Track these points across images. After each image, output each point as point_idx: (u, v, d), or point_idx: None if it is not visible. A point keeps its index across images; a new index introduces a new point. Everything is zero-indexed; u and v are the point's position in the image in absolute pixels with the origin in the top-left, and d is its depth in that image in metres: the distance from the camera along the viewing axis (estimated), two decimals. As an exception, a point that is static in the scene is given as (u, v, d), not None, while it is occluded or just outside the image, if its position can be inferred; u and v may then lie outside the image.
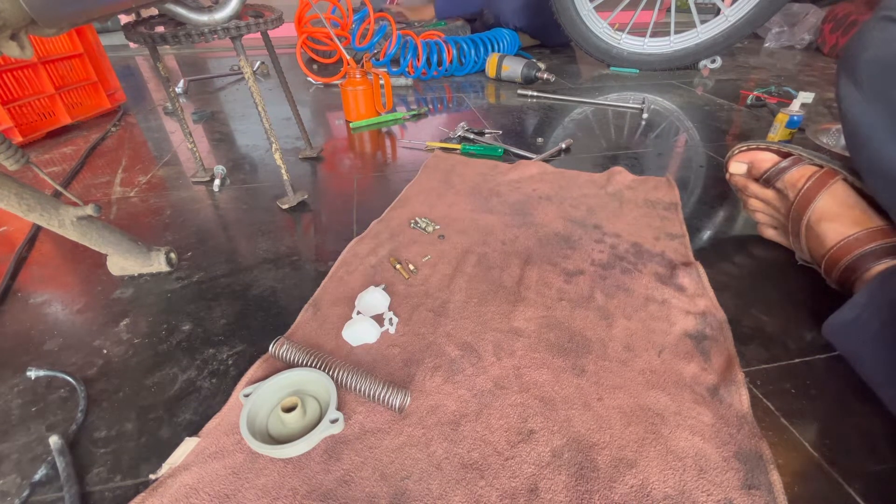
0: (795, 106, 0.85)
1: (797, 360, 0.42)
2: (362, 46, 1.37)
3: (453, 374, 0.40)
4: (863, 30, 0.44)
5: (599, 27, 1.48)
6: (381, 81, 1.05)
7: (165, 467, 0.34)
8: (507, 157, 0.87)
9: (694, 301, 0.48)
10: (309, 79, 1.44)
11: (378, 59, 1.42)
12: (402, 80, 1.36)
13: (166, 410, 0.39)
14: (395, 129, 1.05)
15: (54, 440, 0.35)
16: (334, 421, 0.35)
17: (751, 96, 1.14)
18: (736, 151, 0.59)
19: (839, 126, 0.81)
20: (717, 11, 1.45)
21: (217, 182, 0.78)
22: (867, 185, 0.46)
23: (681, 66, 1.49)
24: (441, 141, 0.94)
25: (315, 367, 0.40)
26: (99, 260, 0.58)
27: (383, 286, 0.51)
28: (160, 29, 0.58)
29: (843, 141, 0.80)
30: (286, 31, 1.76)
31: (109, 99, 1.15)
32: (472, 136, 0.95)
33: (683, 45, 1.46)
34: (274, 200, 0.73)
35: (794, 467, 0.34)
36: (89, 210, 0.46)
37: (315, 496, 0.32)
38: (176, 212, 0.70)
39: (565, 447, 0.34)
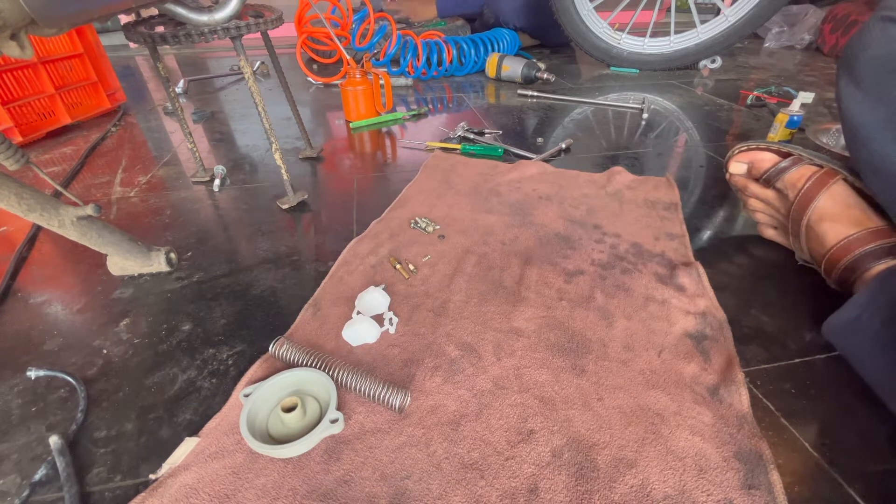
0: (795, 106, 0.85)
1: (797, 360, 0.42)
2: (362, 46, 1.37)
3: (453, 374, 0.40)
4: (863, 29, 0.44)
5: (599, 27, 1.48)
6: (381, 81, 1.05)
7: (165, 467, 0.34)
8: (507, 157, 0.87)
9: (694, 301, 0.48)
10: (309, 79, 1.44)
11: (378, 59, 1.42)
12: (402, 80, 1.36)
13: (166, 410, 0.39)
14: (395, 129, 1.05)
15: (54, 440, 0.35)
16: (334, 421, 0.35)
17: (751, 96, 1.14)
18: (736, 151, 0.59)
19: (839, 126, 0.82)
20: (717, 11, 1.45)
21: (217, 182, 0.78)
22: (867, 184, 0.46)
23: (681, 66, 1.49)
24: (441, 141, 0.94)
25: (315, 367, 0.40)
26: (99, 260, 0.58)
27: (383, 286, 0.51)
28: (160, 29, 0.58)
29: (842, 141, 0.80)
30: (286, 31, 1.76)
31: (109, 99, 1.15)
32: (472, 136, 0.95)
33: (683, 45, 1.46)
34: (274, 200, 0.73)
35: (794, 467, 0.34)
36: (89, 210, 0.46)
37: (315, 496, 0.32)
38: (176, 212, 0.70)
39: (565, 447, 0.34)
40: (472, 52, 1.48)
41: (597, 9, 1.46)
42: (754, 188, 0.57)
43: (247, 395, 0.37)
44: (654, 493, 0.31)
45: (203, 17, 0.54)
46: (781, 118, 0.86)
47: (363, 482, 0.32)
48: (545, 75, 1.33)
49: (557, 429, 0.36)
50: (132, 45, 2.09)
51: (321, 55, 1.55)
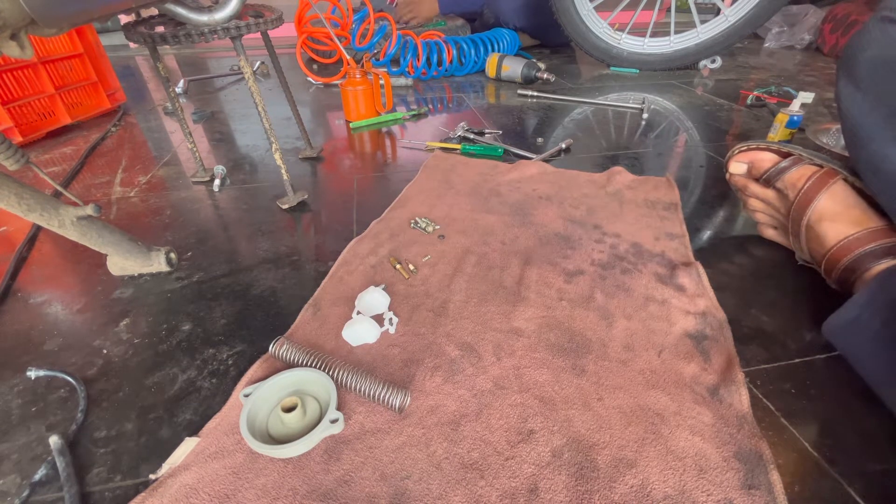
0: (795, 106, 0.85)
1: (797, 360, 0.42)
2: (362, 46, 1.37)
3: (453, 374, 0.40)
4: (863, 30, 0.44)
5: (599, 27, 1.48)
6: (381, 81, 1.05)
7: (165, 467, 0.34)
8: (507, 157, 0.87)
9: (694, 301, 0.48)
10: (309, 79, 1.44)
11: (378, 59, 1.42)
12: (402, 80, 1.36)
13: (166, 410, 0.39)
14: (395, 129, 1.05)
15: (54, 440, 0.35)
16: (334, 421, 0.35)
17: (751, 96, 1.14)
18: (736, 151, 0.59)
19: (839, 126, 0.81)
20: (717, 11, 1.45)
21: (217, 182, 0.78)
22: (867, 184, 0.46)
23: (681, 66, 1.49)
24: (441, 141, 0.94)
25: (315, 367, 0.40)
26: (99, 260, 0.58)
27: (383, 286, 0.51)
28: (160, 29, 0.58)
29: (842, 141, 0.80)
30: (286, 31, 1.76)
31: (109, 99, 1.15)
32: (472, 136, 0.95)
33: (683, 45, 1.46)
34: (274, 200, 0.73)
35: (794, 467, 0.34)
36: (89, 210, 0.46)
37: (315, 496, 0.32)
38: (176, 212, 0.70)
39: (565, 447, 0.34)
40: (472, 52, 1.48)
41: (597, 9, 1.46)
42: (754, 188, 0.57)
43: (247, 395, 0.37)
44: (654, 493, 0.32)
45: (203, 17, 0.54)
46: (781, 118, 0.86)
47: (363, 482, 0.33)
48: (545, 75, 1.33)
49: (557, 429, 0.36)
50: (132, 45, 2.09)
51: (321, 55, 1.55)
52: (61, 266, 0.59)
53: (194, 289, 0.54)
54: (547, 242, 0.59)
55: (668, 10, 1.75)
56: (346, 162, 0.87)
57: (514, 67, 1.35)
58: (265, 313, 0.49)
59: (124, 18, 1.79)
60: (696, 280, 0.51)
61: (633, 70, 1.51)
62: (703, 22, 1.45)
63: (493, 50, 1.52)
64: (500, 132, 0.99)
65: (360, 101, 1.05)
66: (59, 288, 0.55)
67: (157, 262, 0.54)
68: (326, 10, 1.40)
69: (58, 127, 1.02)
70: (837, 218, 0.48)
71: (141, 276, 0.56)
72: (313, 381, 0.39)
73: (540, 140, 0.95)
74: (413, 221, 0.64)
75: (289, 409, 0.36)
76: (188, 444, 0.35)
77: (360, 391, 0.38)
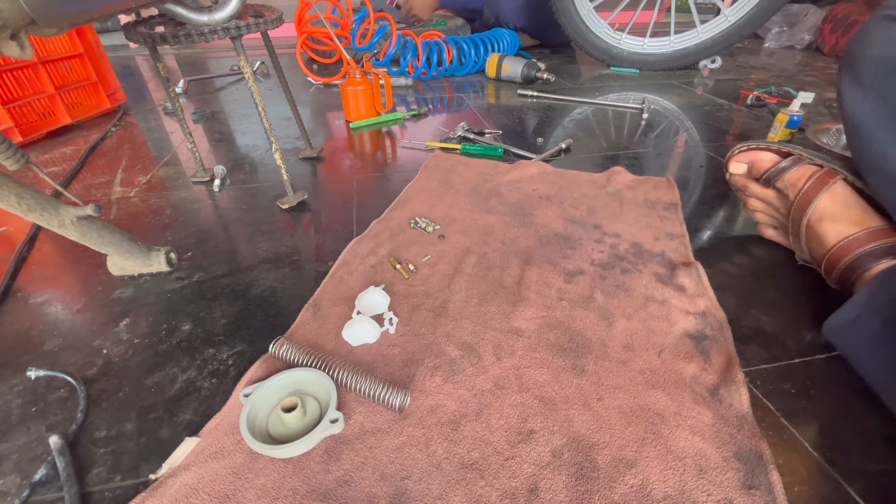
0: (795, 106, 0.85)
1: (797, 360, 0.42)
2: (362, 46, 1.37)
3: (453, 374, 0.40)
4: (865, 28, 0.44)
5: (599, 27, 1.48)
6: (381, 81, 1.05)
7: (165, 467, 0.34)
8: (507, 157, 0.87)
9: (694, 301, 0.48)
10: (309, 79, 1.44)
11: (378, 59, 1.42)
12: (402, 80, 1.36)
13: (166, 410, 0.39)
14: (395, 129, 1.05)
15: (54, 440, 0.35)
16: (334, 421, 0.35)
17: (751, 96, 1.14)
18: (736, 151, 0.59)
19: (839, 126, 0.82)
20: (717, 11, 1.45)
21: (217, 182, 0.78)
22: (868, 184, 0.46)
23: (681, 66, 1.49)
24: (441, 141, 0.94)
25: (315, 367, 0.40)
26: (99, 260, 0.58)
27: (383, 286, 0.51)
28: (160, 29, 0.58)
29: (843, 141, 0.80)
30: (286, 31, 1.76)
31: (109, 99, 1.15)
32: (472, 136, 0.95)
33: (683, 45, 1.46)
34: (274, 200, 0.73)
35: (794, 467, 0.34)
36: (89, 210, 0.46)
37: (315, 496, 0.32)
38: (176, 212, 0.70)
39: (565, 447, 0.34)
40: (472, 52, 1.48)
41: (597, 9, 1.46)
42: (754, 188, 0.57)
43: (247, 395, 0.37)
44: (654, 493, 0.31)
45: (203, 17, 0.54)
46: (781, 118, 0.86)
47: (363, 482, 0.33)
48: (545, 75, 1.33)
49: (557, 429, 0.36)
50: (132, 45, 2.09)
51: (321, 55, 1.55)
52: (61, 266, 0.59)
53: (194, 289, 0.54)
54: (547, 242, 0.59)
55: (668, 10, 1.75)
56: (346, 162, 0.87)
57: (514, 67, 1.35)
58: (265, 313, 0.49)
59: (124, 18, 1.79)
60: (696, 280, 0.51)
61: (633, 70, 1.51)
62: (703, 22, 1.45)
63: (493, 50, 1.52)
64: (500, 132, 0.99)
65: (360, 101, 1.05)
66: (59, 288, 0.55)
67: (157, 262, 0.54)
68: (326, 10, 1.40)
69: (58, 127, 1.02)
70: (837, 218, 0.48)
71: (141, 276, 0.56)
72: (313, 381, 0.39)
73: (540, 140, 0.95)
74: (413, 221, 0.64)
75: (289, 409, 0.36)
76: (188, 444, 0.35)
77: (360, 391, 0.38)
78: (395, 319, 0.46)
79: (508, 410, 0.37)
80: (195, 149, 0.78)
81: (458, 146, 0.90)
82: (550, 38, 1.81)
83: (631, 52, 1.49)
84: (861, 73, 0.43)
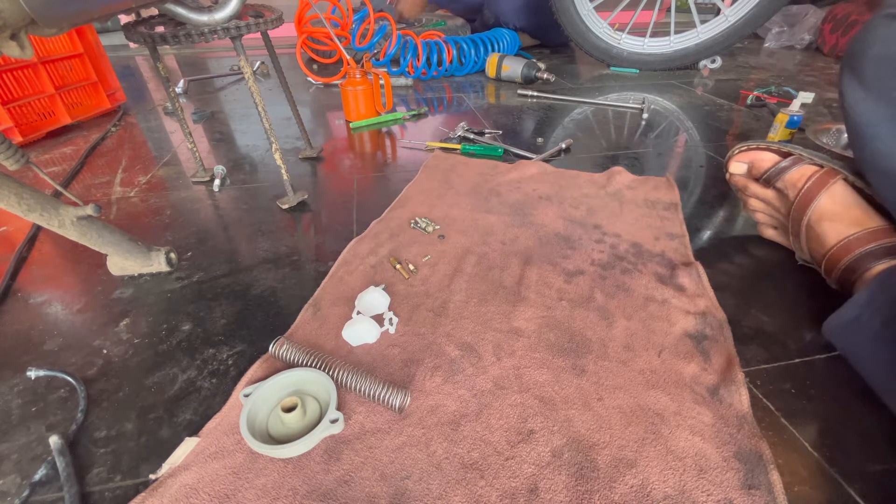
0: (795, 106, 0.85)
1: (797, 360, 0.42)
2: (362, 46, 1.37)
3: (453, 374, 0.40)
4: (867, 27, 0.43)
5: (599, 27, 1.48)
6: (381, 81, 1.05)
7: (165, 467, 0.34)
8: (507, 157, 0.87)
9: (694, 301, 0.48)
10: (309, 79, 1.44)
11: (378, 59, 1.42)
12: (402, 80, 1.36)
13: (166, 410, 0.39)
14: (395, 129, 1.05)
15: (54, 440, 0.35)
16: (334, 421, 0.35)
17: (751, 96, 1.14)
18: (736, 151, 0.59)
19: (839, 126, 0.82)
20: (717, 11, 1.45)
21: (217, 182, 0.78)
22: (870, 183, 0.46)
23: (681, 66, 1.49)
24: (441, 141, 0.94)
25: (315, 367, 0.40)
26: (99, 260, 0.58)
27: (383, 286, 0.51)
28: (160, 29, 0.58)
29: (843, 141, 0.80)
30: (286, 31, 1.76)
31: (109, 99, 1.15)
32: (472, 136, 0.95)
33: (683, 45, 1.46)
34: (274, 200, 0.73)
35: (794, 467, 0.34)
36: (89, 210, 0.46)
37: (315, 496, 0.32)
38: (176, 212, 0.70)
39: (565, 447, 0.34)
40: (472, 52, 1.48)
41: (597, 9, 1.46)
42: (754, 188, 0.57)
43: (247, 395, 0.37)
44: (654, 493, 0.31)
45: (203, 17, 0.54)
46: (781, 118, 0.86)
47: (363, 482, 0.32)
48: (545, 75, 1.33)
49: (557, 429, 0.36)
50: (132, 45, 2.09)
51: (321, 55, 1.55)
52: (61, 266, 0.59)
53: (194, 289, 0.54)
54: (547, 242, 0.59)
55: (668, 10, 1.75)
56: (346, 162, 0.87)
57: (514, 67, 1.35)
58: (265, 313, 0.49)
59: (124, 18, 1.79)
60: (696, 280, 0.51)
61: (633, 70, 1.51)
62: (703, 22, 1.45)
63: (493, 50, 1.52)
64: (500, 132, 0.98)
65: (360, 101, 1.05)
66: (59, 288, 0.55)
67: (157, 262, 0.54)
68: (326, 10, 1.40)
69: (58, 127, 1.02)
70: (837, 218, 0.48)
71: (141, 276, 0.56)
72: (313, 381, 0.39)
73: (540, 140, 0.95)
74: (413, 221, 0.64)
75: (289, 409, 0.36)
76: (188, 444, 0.35)
77: (360, 391, 0.38)
78: (395, 319, 0.46)
79: (508, 410, 0.37)
80: (195, 149, 0.78)
81: (458, 146, 0.90)
82: (550, 38, 1.81)
83: (631, 52, 1.49)
84: (863, 72, 0.43)
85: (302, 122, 0.84)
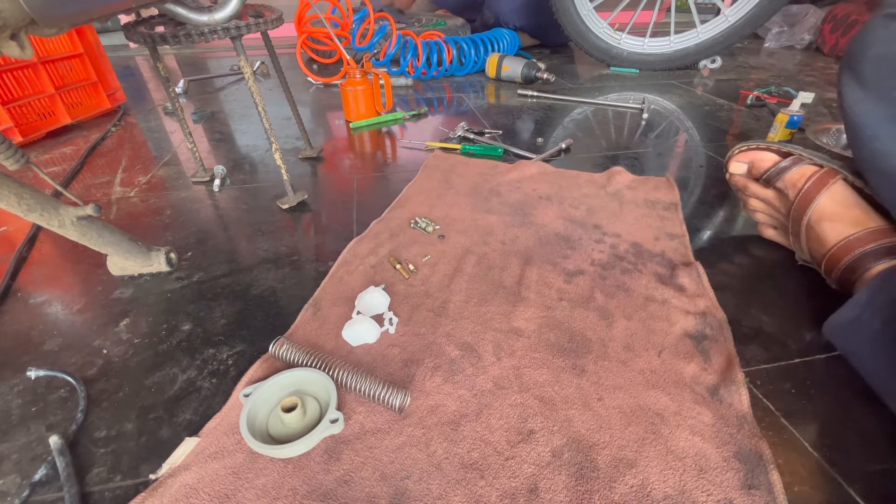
0: (795, 106, 0.85)
1: (797, 360, 0.42)
2: (362, 46, 1.37)
3: (453, 374, 0.40)
4: (867, 27, 0.43)
5: (599, 27, 1.48)
6: (381, 81, 1.05)
7: (165, 467, 0.34)
8: (507, 157, 0.87)
9: (694, 301, 0.48)
10: (309, 79, 1.44)
11: (378, 59, 1.42)
12: (402, 80, 1.36)
13: (166, 410, 0.39)
14: (395, 129, 1.05)
15: (54, 440, 0.35)
16: (334, 421, 0.35)
17: (751, 96, 1.14)
18: (736, 151, 0.59)
19: (839, 126, 0.82)
20: (717, 11, 1.45)
21: (217, 182, 0.78)
22: (869, 183, 0.46)
23: (681, 66, 1.49)
24: (441, 141, 0.94)
25: (315, 367, 0.40)
26: (99, 260, 0.58)
27: (383, 286, 0.51)
28: (160, 29, 0.58)
29: (843, 141, 0.80)
30: (286, 31, 1.76)
31: (109, 99, 1.15)
32: (472, 136, 0.95)
33: (683, 45, 1.46)
34: (274, 200, 0.73)
35: (794, 467, 0.34)
36: (89, 210, 0.46)
37: (315, 496, 0.32)
38: (176, 212, 0.70)
39: (565, 447, 0.34)
40: (472, 52, 1.48)
41: (597, 9, 1.47)
42: (754, 188, 0.57)
43: (247, 395, 0.37)
44: (654, 493, 0.31)
45: (203, 17, 0.54)
46: (781, 118, 0.86)
47: (363, 482, 0.32)
48: (545, 75, 1.33)
49: (557, 429, 0.36)
50: (132, 45, 2.09)
51: (321, 55, 1.55)
52: (61, 266, 0.59)
53: (194, 289, 0.54)
54: (547, 242, 0.59)
55: (668, 10, 1.75)
56: (346, 162, 0.87)
57: (514, 67, 1.35)
58: (265, 313, 0.49)
59: (124, 18, 1.79)
60: (696, 280, 0.51)
61: (633, 70, 1.51)
62: (703, 22, 1.45)
63: (493, 50, 1.52)
64: (500, 132, 0.98)
65: (360, 101, 1.05)
66: (59, 288, 0.55)
67: (157, 262, 0.54)
68: (326, 10, 1.40)
69: (58, 127, 1.02)
70: (837, 218, 0.48)
71: (141, 276, 0.56)
72: (313, 381, 0.39)
73: (540, 140, 0.95)
74: (413, 221, 0.64)
75: (289, 409, 0.36)
76: (188, 444, 0.35)
77: (360, 391, 0.38)
78: (395, 319, 0.46)
79: (508, 410, 0.37)
80: (195, 149, 0.78)
81: (458, 146, 0.90)
82: (550, 38, 1.81)
83: (631, 52, 1.50)
84: (862, 72, 0.43)
85: (302, 122, 0.84)
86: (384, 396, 0.37)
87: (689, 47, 1.46)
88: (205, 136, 1.02)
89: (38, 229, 0.66)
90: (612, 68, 1.54)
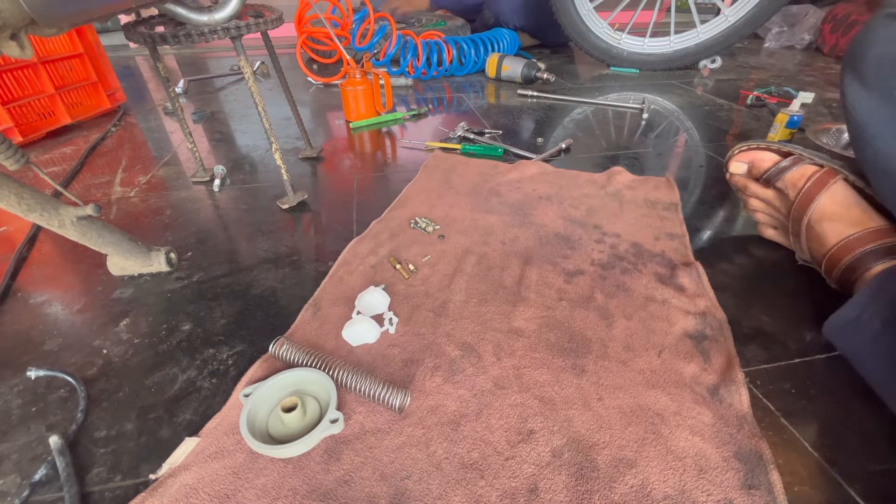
0: (795, 106, 0.85)
1: (797, 360, 0.42)
2: (362, 46, 1.37)
3: (453, 374, 0.40)
4: (868, 27, 0.44)
5: (599, 27, 1.48)
6: (381, 81, 1.05)
7: (165, 467, 0.34)
8: (507, 157, 0.87)
9: (694, 301, 0.48)
10: (309, 79, 1.44)
11: (378, 59, 1.42)
12: (402, 80, 1.36)
13: (166, 410, 0.39)
14: (395, 129, 1.05)
15: (54, 440, 0.35)
16: (334, 421, 0.35)
17: (751, 96, 1.14)
18: (736, 151, 0.59)
19: (839, 126, 0.82)
20: (717, 11, 1.45)
21: (217, 182, 0.78)
22: (870, 182, 0.46)
23: (681, 66, 1.49)
24: (441, 141, 0.94)
25: (315, 367, 0.40)
26: (99, 260, 0.58)
27: (383, 286, 0.51)
28: (160, 29, 0.58)
29: (843, 140, 0.80)
30: (286, 31, 1.76)
31: (109, 99, 1.15)
32: (472, 136, 0.95)
33: (683, 45, 1.46)
34: (274, 200, 0.73)
35: (794, 467, 0.34)
36: (89, 210, 0.46)
37: (315, 496, 0.32)
38: (176, 212, 0.70)
39: (565, 447, 0.34)
40: (472, 52, 1.48)
41: (597, 9, 1.46)
42: (754, 188, 0.57)
43: (247, 395, 0.37)
44: (654, 493, 0.31)
45: (203, 17, 0.54)
46: (781, 118, 0.86)
47: (363, 482, 0.32)
48: (545, 75, 1.33)
49: (557, 429, 0.36)
50: (132, 45, 2.09)
51: (321, 55, 1.55)
52: (61, 266, 0.59)
53: (194, 289, 0.54)
54: (547, 242, 0.59)
55: (668, 10, 1.75)
56: (346, 162, 0.87)
57: (514, 67, 1.35)
58: (265, 313, 0.49)
59: (124, 18, 1.79)
60: (696, 280, 0.51)
61: (633, 70, 1.50)
62: (703, 22, 1.45)
63: (493, 50, 1.52)
64: (500, 132, 0.98)
65: (360, 101, 1.05)
66: (59, 288, 0.55)
67: (157, 262, 0.54)
68: (326, 10, 1.40)
69: (58, 127, 1.02)
70: (838, 218, 0.48)
71: (141, 276, 0.56)
72: (313, 381, 0.39)
73: (540, 140, 0.95)
74: (413, 221, 0.64)
75: (289, 409, 0.36)
76: (188, 444, 0.35)
77: (360, 391, 0.38)
78: (395, 319, 0.46)
79: (508, 410, 0.37)
80: (195, 149, 0.78)
81: (458, 146, 0.90)
82: (550, 38, 1.81)
83: (631, 52, 1.49)
84: (864, 71, 0.43)
85: (302, 122, 0.84)
86: (384, 396, 0.37)
87: (689, 47, 1.46)
88: (205, 136, 1.02)
89: (38, 229, 0.66)
90: (612, 68, 1.54)
